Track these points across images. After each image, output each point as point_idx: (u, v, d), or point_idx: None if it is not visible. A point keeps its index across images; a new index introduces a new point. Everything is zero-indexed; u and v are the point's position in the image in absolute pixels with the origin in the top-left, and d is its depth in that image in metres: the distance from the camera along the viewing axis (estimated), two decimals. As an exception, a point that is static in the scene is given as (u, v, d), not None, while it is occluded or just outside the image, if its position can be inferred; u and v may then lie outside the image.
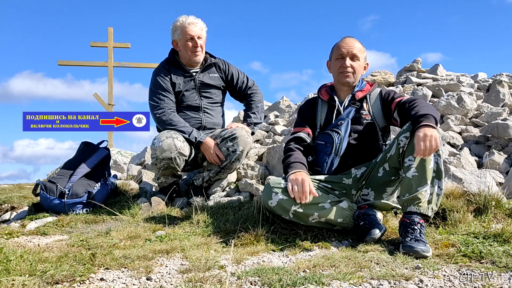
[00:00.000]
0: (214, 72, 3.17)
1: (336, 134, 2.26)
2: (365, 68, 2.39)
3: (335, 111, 2.36)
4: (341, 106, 2.36)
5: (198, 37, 3.01)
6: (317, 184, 2.22)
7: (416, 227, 1.89)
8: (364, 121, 2.31)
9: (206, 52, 3.18)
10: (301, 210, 2.04)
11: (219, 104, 3.24)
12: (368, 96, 2.37)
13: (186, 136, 2.88)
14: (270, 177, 3.14)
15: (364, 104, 2.35)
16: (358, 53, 2.30)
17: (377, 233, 1.97)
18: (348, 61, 2.30)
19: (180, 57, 3.11)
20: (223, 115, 3.30)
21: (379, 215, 2.21)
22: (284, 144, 2.50)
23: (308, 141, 2.37)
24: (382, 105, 2.34)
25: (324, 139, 2.30)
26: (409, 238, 1.85)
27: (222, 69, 3.20)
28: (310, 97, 2.73)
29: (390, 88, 5.40)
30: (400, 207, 2.08)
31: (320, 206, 2.06)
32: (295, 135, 2.40)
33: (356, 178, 2.27)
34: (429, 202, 1.95)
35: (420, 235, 1.86)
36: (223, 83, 3.21)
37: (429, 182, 1.94)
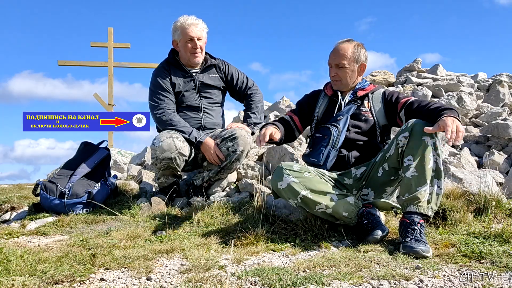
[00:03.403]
0: (214, 72, 3.17)
1: (334, 127, 2.30)
2: (361, 69, 2.42)
3: (337, 106, 2.41)
4: (342, 101, 2.42)
5: (198, 39, 3.00)
6: (322, 174, 2.23)
7: (416, 227, 1.89)
8: (363, 118, 2.36)
9: (206, 53, 3.18)
10: (310, 196, 2.04)
11: (219, 104, 3.24)
12: (369, 94, 2.42)
13: (186, 136, 2.88)
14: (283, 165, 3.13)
15: (365, 102, 2.41)
16: (344, 61, 2.36)
17: (379, 234, 1.97)
18: (334, 70, 2.40)
19: (180, 57, 3.11)
20: (223, 115, 3.30)
21: (382, 216, 2.21)
22: None
23: (291, 124, 2.56)
24: (385, 105, 2.38)
25: (322, 131, 2.35)
26: (409, 238, 1.85)
27: (222, 69, 3.20)
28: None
29: (393, 88, 5.40)
30: (400, 207, 2.08)
31: (328, 196, 2.06)
32: (283, 116, 2.61)
33: (357, 178, 2.27)
34: (429, 201, 1.95)
35: (420, 235, 1.86)
36: (223, 84, 3.21)
37: (428, 181, 1.94)
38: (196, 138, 2.89)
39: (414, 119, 2.06)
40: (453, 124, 1.85)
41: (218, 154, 2.88)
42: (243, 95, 3.26)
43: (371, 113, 2.36)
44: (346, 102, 2.41)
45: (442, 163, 2.02)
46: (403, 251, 1.81)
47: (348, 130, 2.32)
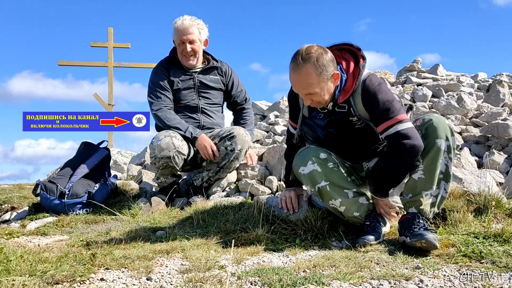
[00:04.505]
0: (215, 74, 3.17)
1: (319, 129, 2.11)
2: (335, 78, 1.95)
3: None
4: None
5: (190, 42, 2.97)
6: (343, 163, 2.15)
7: (421, 221, 1.90)
8: (356, 126, 2.09)
9: (208, 54, 3.17)
10: (328, 189, 2.01)
11: (218, 105, 3.24)
12: (351, 98, 2.02)
13: (182, 132, 2.88)
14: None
15: (351, 108, 2.04)
16: (313, 89, 1.92)
17: (370, 239, 1.95)
18: (307, 98, 1.99)
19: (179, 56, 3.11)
20: (222, 117, 3.30)
21: (386, 228, 2.17)
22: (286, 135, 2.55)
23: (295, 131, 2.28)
24: (366, 109, 2.01)
25: (310, 135, 2.17)
26: (417, 228, 1.85)
27: (224, 72, 3.20)
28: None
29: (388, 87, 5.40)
30: (402, 206, 2.09)
31: (345, 192, 2.03)
32: (288, 129, 2.38)
33: (369, 171, 2.23)
34: (432, 205, 1.95)
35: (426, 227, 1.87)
36: (222, 86, 3.21)
37: (434, 187, 1.93)
38: (192, 133, 2.88)
39: (430, 116, 1.96)
40: (383, 209, 2.07)
41: (213, 150, 2.86)
42: (237, 104, 3.28)
43: (361, 120, 2.05)
44: (329, 110, 2.08)
45: (452, 166, 1.99)
46: (412, 240, 1.79)
47: (349, 144, 2.16)
